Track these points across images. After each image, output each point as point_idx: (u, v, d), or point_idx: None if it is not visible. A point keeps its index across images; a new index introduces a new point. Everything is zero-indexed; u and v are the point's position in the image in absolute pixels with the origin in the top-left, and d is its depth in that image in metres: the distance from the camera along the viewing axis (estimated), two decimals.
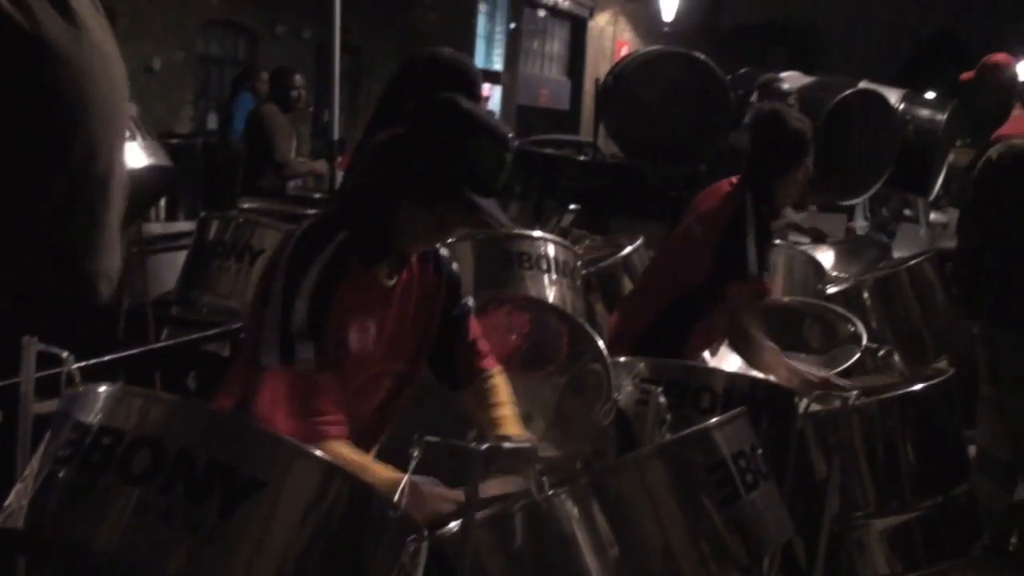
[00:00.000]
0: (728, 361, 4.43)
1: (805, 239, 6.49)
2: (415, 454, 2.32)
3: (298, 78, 8.33)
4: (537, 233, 4.60)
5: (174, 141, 6.55)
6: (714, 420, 2.74)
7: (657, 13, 37.32)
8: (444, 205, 2.57)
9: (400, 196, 2.59)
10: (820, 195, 7.81)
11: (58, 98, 2.84)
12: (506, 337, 3.46)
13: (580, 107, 37.93)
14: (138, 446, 2.03)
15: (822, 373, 3.96)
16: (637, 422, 3.15)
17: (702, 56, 8.56)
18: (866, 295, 5.23)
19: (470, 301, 2.92)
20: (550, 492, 2.42)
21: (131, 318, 4.98)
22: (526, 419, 3.32)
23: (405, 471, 2.25)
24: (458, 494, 2.36)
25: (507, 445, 2.55)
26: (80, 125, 2.88)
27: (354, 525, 2.11)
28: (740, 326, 4.09)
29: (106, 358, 3.51)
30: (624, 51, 34.59)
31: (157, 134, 4.76)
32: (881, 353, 4.58)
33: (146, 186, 4.56)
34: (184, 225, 5.93)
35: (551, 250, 4.37)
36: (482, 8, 34.49)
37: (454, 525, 2.35)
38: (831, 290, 5.24)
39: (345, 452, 2.47)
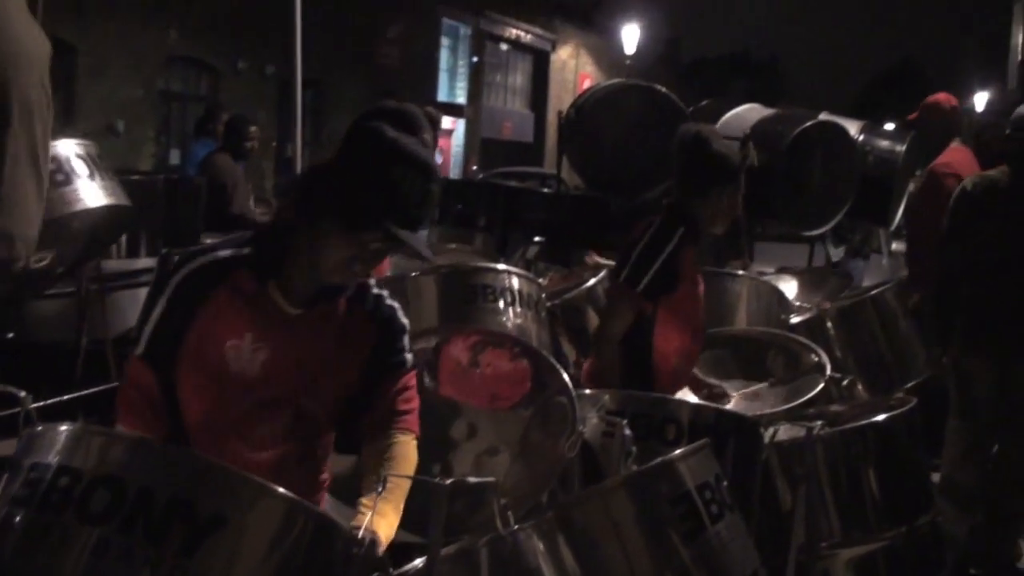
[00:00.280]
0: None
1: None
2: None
3: (253, 129, 8.12)
4: (501, 266, 4.61)
5: (135, 178, 6.49)
6: (678, 452, 2.74)
7: (619, 46, 37.68)
8: (364, 236, 2.46)
9: (320, 225, 2.47)
10: (782, 226, 7.88)
11: None
12: (470, 371, 3.45)
13: (544, 139, 38.12)
14: (97, 485, 2.01)
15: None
16: (603, 454, 3.13)
17: (663, 89, 8.63)
18: (829, 324, 5.25)
19: (409, 358, 2.71)
20: (515, 527, 2.41)
21: (90, 356, 4.93)
22: (492, 452, 3.31)
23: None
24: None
25: (471, 480, 2.53)
26: None
27: (318, 562, 2.10)
28: (603, 329, 4.13)
29: (65, 397, 3.48)
30: (587, 84, 34.82)
31: (117, 170, 4.73)
32: (845, 383, 4.60)
33: (104, 225, 4.54)
34: (145, 261, 5.88)
35: (515, 283, 4.37)
36: (444, 42, 34.65)
37: (419, 561, 2.33)
38: (795, 320, 5.26)
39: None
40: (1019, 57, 28.24)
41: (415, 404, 2.70)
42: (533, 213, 9.38)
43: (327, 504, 2.82)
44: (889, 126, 10.81)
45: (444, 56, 34.93)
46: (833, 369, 4.46)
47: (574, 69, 41.59)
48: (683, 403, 3.75)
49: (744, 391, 4.47)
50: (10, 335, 5.05)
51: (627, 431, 3.05)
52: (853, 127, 8.78)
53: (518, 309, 4.30)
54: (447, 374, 3.46)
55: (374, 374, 2.66)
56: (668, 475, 2.62)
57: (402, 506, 2.45)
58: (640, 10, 39.30)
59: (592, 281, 5.18)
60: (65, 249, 4.60)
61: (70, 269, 4.80)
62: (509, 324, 4.25)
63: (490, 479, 2.53)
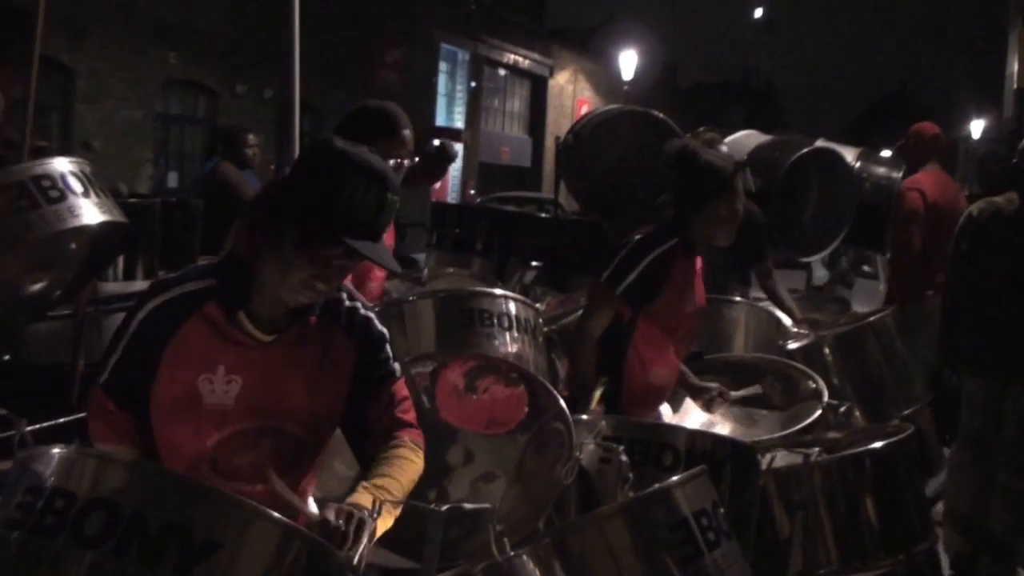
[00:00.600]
0: (690, 417, 4.43)
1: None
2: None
3: (251, 137, 8.34)
4: (499, 291, 4.60)
5: (132, 200, 6.50)
6: (675, 479, 2.73)
7: (617, 72, 37.81)
8: (323, 252, 2.41)
9: (277, 243, 2.44)
10: (780, 252, 7.87)
11: None
12: (467, 396, 3.44)
13: (541, 164, 38.22)
14: (91, 508, 2.00)
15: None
16: (599, 480, 3.12)
17: (661, 114, 8.64)
18: (827, 351, 5.25)
19: (396, 366, 2.68)
20: (511, 553, 2.40)
21: (87, 379, 4.91)
22: (488, 478, 3.30)
23: None
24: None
25: (467, 506, 2.52)
26: None
27: None
28: (579, 329, 4.10)
29: (61, 420, 3.46)
30: (584, 109, 34.95)
31: (114, 192, 4.72)
32: (842, 410, 4.59)
33: (101, 244, 4.52)
34: (142, 284, 5.87)
35: (512, 308, 4.36)
36: (443, 67, 34.77)
37: None
38: (792, 346, 5.25)
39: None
40: (1014, 85, 28.39)
41: (414, 415, 2.69)
42: (531, 238, 9.38)
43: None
44: (886, 153, 10.82)
45: (442, 81, 35.04)
46: (831, 396, 4.45)
47: (572, 94, 41.71)
48: (680, 429, 3.74)
49: (739, 393, 4.43)
50: (6, 357, 5.03)
51: (624, 457, 3.04)
52: (850, 154, 8.79)
53: (515, 334, 4.29)
54: (444, 399, 3.44)
55: (364, 390, 2.64)
56: (665, 502, 2.61)
57: (396, 512, 2.43)
58: (638, 36, 39.51)
59: None
60: (62, 271, 4.59)
61: (68, 293, 4.78)
62: (506, 349, 4.23)
63: (486, 505, 2.52)
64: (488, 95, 37.86)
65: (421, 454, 2.62)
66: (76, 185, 4.26)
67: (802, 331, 5.42)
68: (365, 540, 2.21)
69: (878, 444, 3.76)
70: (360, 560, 2.17)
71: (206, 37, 22.82)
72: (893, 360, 5.37)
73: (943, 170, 7.06)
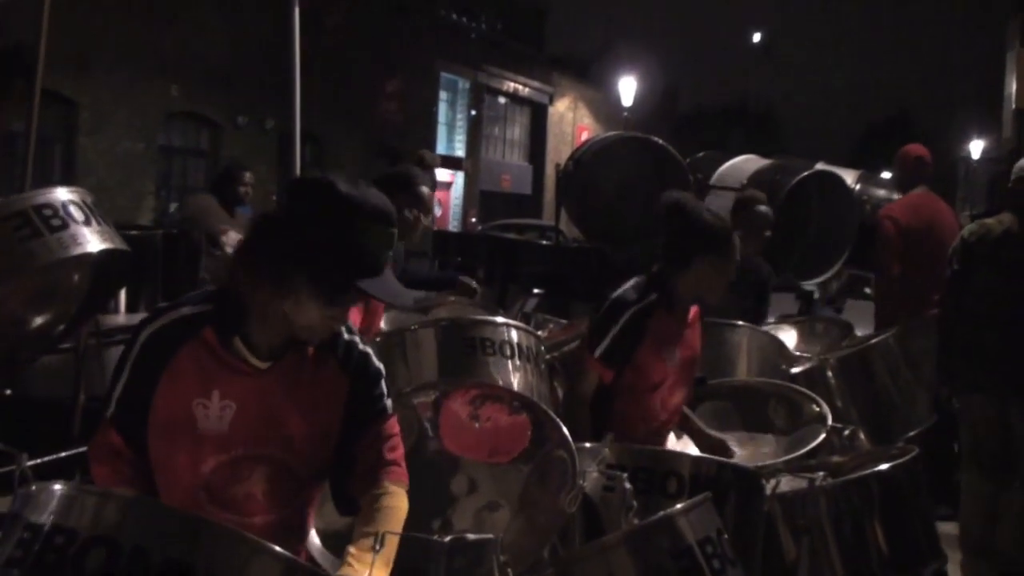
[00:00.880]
0: (693, 444, 4.41)
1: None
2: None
3: (247, 175, 8.07)
4: (500, 319, 4.59)
5: (135, 232, 6.51)
6: (679, 506, 2.72)
7: (616, 98, 37.92)
8: (336, 296, 2.45)
9: (284, 285, 2.43)
10: (781, 276, 7.87)
11: None
12: (470, 425, 3.43)
13: (542, 191, 38.32)
14: (92, 545, 1.99)
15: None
16: (603, 509, 3.11)
17: (660, 141, 8.67)
18: (830, 374, 5.23)
19: (388, 404, 2.67)
20: None
21: (88, 413, 4.90)
22: (492, 507, 3.28)
23: None
24: None
25: (471, 537, 2.50)
26: None
27: None
28: (572, 390, 4.11)
29: (63, 454, 3.46)
30: (584, 136, 35.06)
31: (116, 224, 4.72)
32: (847, 432, 4.57)
33: (104, 273, 4.52)
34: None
35: (514, 335, 4.35)
36: (443, 96, 34.92)
37: None
38: (795, 370, 5.24)
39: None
40: (1013, 106, 28.45)
41: (401, 452, 2.66)
42: (532, 265, 9.40)
43: (317, 553, 2.80)
44: (885, 175, 10.85)
45: (443, 109, 35.18)
46: (834, 419, 4.43)
47: (572, 121, 41.87)
48: (684, 456, 3.72)
49: (742, 452, 4.43)
50: (7, 392, 5.03)
51: (628, 485, 3.02)
52: (850, 176, 8.83)
53: (517, 362, 4.28)
54: (447, 428, 3.43)
55: (354, 423, 2.62)
56: (669, 530, 2.60)
57: (393, 558, 2.40)
58: (637, 62, 39.63)
59: None
60: (65, 303, 4.59)
61: (71, 327, 4.76)
62: (508, 377, 4.22)
63: (489, 536, 2.50)
64: (488, 123, 38.02)
65: (404, 496, 2.59)
66: (78, 214, 4.27)
67: (805, 354, 5.42)
68: None
69: (884, 466, 3.74)
70: None
71: (207, 69, 22.94)
72: (897, 381, 5.37)
73: (930, 192, 7.11)
